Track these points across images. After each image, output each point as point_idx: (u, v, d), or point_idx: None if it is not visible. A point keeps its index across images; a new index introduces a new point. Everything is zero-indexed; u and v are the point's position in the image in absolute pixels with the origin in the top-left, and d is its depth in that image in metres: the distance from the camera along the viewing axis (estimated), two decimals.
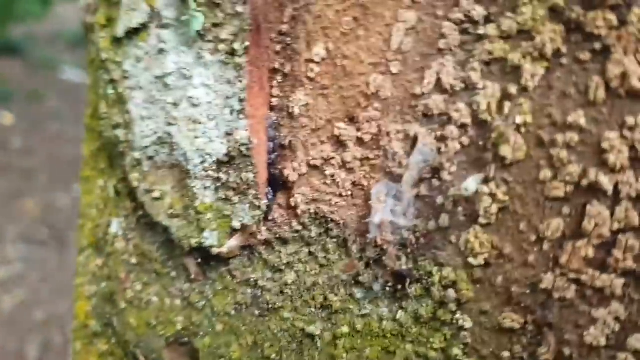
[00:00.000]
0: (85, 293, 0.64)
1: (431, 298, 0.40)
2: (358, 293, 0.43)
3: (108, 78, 0.53)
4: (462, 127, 0.38)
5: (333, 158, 0.43)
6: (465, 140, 0.38)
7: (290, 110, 0.44)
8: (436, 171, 0.39)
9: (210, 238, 0.47)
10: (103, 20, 0.55)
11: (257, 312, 0.48)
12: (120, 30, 0.51)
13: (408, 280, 0.40)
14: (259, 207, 0.45)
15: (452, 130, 0.38)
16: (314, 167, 0.44)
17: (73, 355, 0.67)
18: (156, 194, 0.50)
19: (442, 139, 0.38)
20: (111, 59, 0.53)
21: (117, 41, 0.52)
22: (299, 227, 0.45)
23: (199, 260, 0.50)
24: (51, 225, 2.84)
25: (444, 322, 0.39)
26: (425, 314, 0.40)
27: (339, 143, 0.43)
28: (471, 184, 0.36)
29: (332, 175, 0.43)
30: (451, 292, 0.39)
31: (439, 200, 0.39)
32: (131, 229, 0.55)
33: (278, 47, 0.45)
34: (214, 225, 0.47)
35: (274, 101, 0.46)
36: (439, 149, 0.38)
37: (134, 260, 0.55)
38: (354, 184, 0.43)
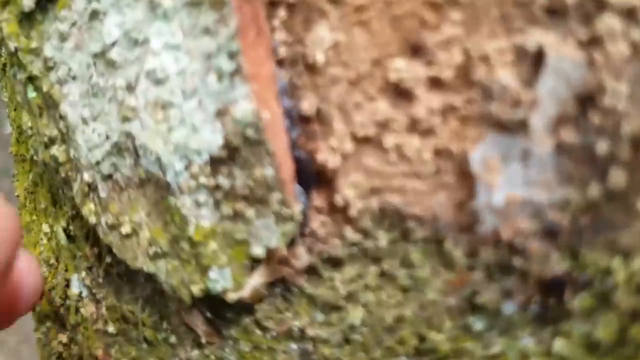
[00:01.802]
0: None
1: (612, 309, 0.23)
2: (477, 322, 0.26)
3: (25, 76, 0.36)
4: (629, 14, 0.21)
5: (394, 120, 0.26)
6: (638, 35, 0.21)
7: (310, 60, 0.27)
8: (588, 100, 0.22)
9: (220, 279, 0.30)
10: None
11: None
12: (27, 1, 0.34)
13: (567, 289, 0.24)
14: (291, 218, 0.28)
15: (609, 24, 0.21)
16: (364, 140, 0.27)
17: None
18: (126, 229, 0.32)
19: (592, 42, 0.22)
20: (24, 47, 0.35)
21: (27, 19, 0.35)
22: (357, 237, 0.28)
23: (208, 314, 0.32)
24: None
25: None
26: (605, 337, 0.23)
27: (400, 93, 0.26)
28: None
29: (398, 146, 0.26)
30: None
31: (602, 147, 0.22)
32: (99, 284, 0.38)
33: None
34: (222, 258, 0.30)
35: (280, 51, 0.28)
36: (589, 61, 0.22)
37: (111, 329, 0.37)
38: (437, 152, 0.26)
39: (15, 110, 0.43)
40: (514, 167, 0.24)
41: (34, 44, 0.35)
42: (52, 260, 0.42)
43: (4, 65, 0.41)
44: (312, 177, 0.30)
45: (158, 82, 0.29)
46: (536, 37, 0.24)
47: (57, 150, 0.35)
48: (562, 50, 0.23)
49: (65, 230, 0.39)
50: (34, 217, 0.43)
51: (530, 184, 0.24)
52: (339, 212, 0.29)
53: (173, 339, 0.35)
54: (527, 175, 0.24)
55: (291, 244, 0.29)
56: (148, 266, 0.32)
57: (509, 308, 0.26)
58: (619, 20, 0.22)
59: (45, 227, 0.42)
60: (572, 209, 0.24)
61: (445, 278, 0.27)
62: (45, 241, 0.42)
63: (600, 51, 0.22)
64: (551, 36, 0.23)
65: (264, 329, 0.32)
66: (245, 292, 0.30)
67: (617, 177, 0.23)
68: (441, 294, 0.27)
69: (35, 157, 0.38)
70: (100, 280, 0.38)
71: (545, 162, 0.24)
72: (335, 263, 0.30)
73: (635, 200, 0.23)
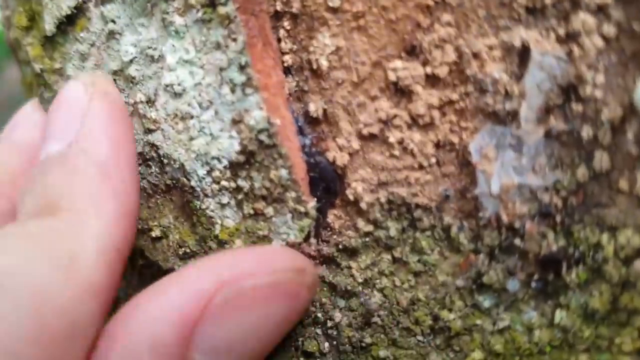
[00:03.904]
0: None
1: (605, 281, 0.26)
2: (485, 300, 0.29)
3: (50, 95, 0.39)
4: (600, 11, 0.24)
5: (396, 116, 0.30)
6: (610, 29, 0.24)
7: (315, 65, 0.31)
8: (571, 89, 0.25)
9: None
10: (24, 21, 0.41)
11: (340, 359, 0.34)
12: (49, 26, 0.38)
13: (564, 264, 0.27)
14: (306, 213, 0.31)
15: (584, 20, 0.24)
16: (369, 137, 0.31)
17: None
18: (156, 233, 0.36)
19: (569, 37, 0.25)
20: (48, 68, 0.39)
21: (49, 42, 0.39)
22: (370, 228, 0.32)
23: None
24: None
25: (634, 311, 0.26)
26: (599, 306, 0.27)
27: (400, 92, 0.30)
28: None
29: (401, 141, 0.30)
30: (639, 265, 0.25)
31: (586, 132, 0.25)
32: (134, 287, 0.42)
33: None
34: None
35: (287, 59, 0.32)
36: (568, 54, 0.25)
37: None
38: (437, 144, 0.29)
39: None
40: (508, 155, 0.28)
41: (57, 65, 0.39)
42: None
43: (30, 84, 0.46)
44: (329, 176, 0.33)
45: (176, 95, 0.33)
46: (520, 34, 0.27)
47: None
48: (544, 46, 0.26)
49: None
50: None
51: (523, 170, 0.27)
52: (351, 206, 0.33)
53: None
54: (520, 162, 0.28)
55: (309, 237, 0.33)
56: (179, 266, 0.36)
57: (513, 285, 0.29)
58: (592, 16, 0.25)
59: None
60: (563, 191, 0.27)
61: (453, 261, 0.31)
62: None
63: (578, 45, 0.25)
64: (534, 33, 0.26)
65: None
66: None
67: (601, 160, 0.26)
68: (450, 276, 0.31)
69: None
70: (135, 281, 0.42)
71: (537, 149, 0.27)
72: (351, 253, 0.33)
73: (619, 179, 0.26)
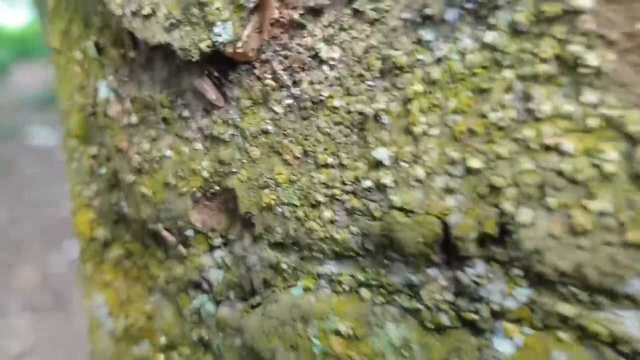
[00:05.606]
0: (85, 201, 0.54)
1: None
2: (427, 34, 0.33)
3: None
4: None
5: None
6: None
7: None
8: None
9: (223, 32, 0.38)
10: None
11: (300, 115, 0.38)
12: None
13: None
14: None
15: None
16: None
17: (85, 284, 0.56)
18: (146, 10, 0.40)
19: None
20: None
21: None
22: None
23: (216, 74, 0.40)
24: (53, 290, 2.78)
25: (554, 18, 0.30)
26: (524, 20, 0.30)
27: None
28: None
29: None
30: None
31: None
32: (124, 82, 0.46)
33: None
34: (225, 13, 0.37)
35: None
36: None
37: (134, 119, 0.46)
38: None
39: None
40: None
41: None
42: (84, 81, 0.50)
43: None
44: None
45: None
46: None
47: None
48: None
49: (96, 44, 0.48)
50: (70, 53, 0.52)
51: None
52: None
53: (186, 112, 0.43)
54: None
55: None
56: (165, 38, 0.40)
57: (451, 14, 0.33)
58: None
59: (77, 54, 0.50)
60: None
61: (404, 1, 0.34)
62: (78, 70, 0.51)
63: None
64: None
65: (260, 80, 0.39)
66: (243, 38, 0.38)
67: None
68: (399, 14, 0.34)
69: None
70: (126, 77, 0.46)
71: None
72: (315, 13, 0.37)
73: None
